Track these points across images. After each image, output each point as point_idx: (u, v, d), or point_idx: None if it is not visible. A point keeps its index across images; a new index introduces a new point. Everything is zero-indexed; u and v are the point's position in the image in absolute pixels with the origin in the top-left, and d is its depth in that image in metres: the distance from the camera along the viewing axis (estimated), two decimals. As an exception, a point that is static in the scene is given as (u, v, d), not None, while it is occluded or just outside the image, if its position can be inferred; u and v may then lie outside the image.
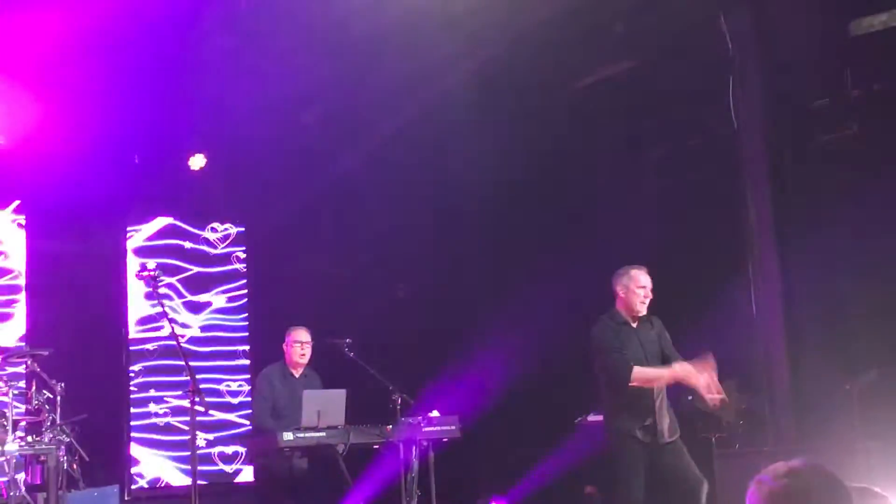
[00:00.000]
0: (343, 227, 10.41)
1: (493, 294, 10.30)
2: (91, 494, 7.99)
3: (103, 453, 8.72)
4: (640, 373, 6.56)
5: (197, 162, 9.60)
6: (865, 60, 8.49)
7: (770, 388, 8.33)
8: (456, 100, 9.29)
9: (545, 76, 9.35)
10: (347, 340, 8.09)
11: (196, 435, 6.74)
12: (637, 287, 6.75)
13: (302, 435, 7.51)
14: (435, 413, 7.98)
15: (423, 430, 7.79)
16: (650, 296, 6.78)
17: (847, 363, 8.00)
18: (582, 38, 8.72)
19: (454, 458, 8.41)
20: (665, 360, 6.76)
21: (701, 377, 6.56)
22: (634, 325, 6.79)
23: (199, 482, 6.26)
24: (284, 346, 8.14)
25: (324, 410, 7.60)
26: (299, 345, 8.06)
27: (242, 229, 10.45)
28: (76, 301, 9.35)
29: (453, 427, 8.00)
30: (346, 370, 8.06)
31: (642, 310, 6.76)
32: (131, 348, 9.72)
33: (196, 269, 10.12)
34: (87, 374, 8.83)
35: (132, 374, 9.71)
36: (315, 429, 7.54)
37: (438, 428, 7.92)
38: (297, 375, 8.12)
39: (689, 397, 8.14)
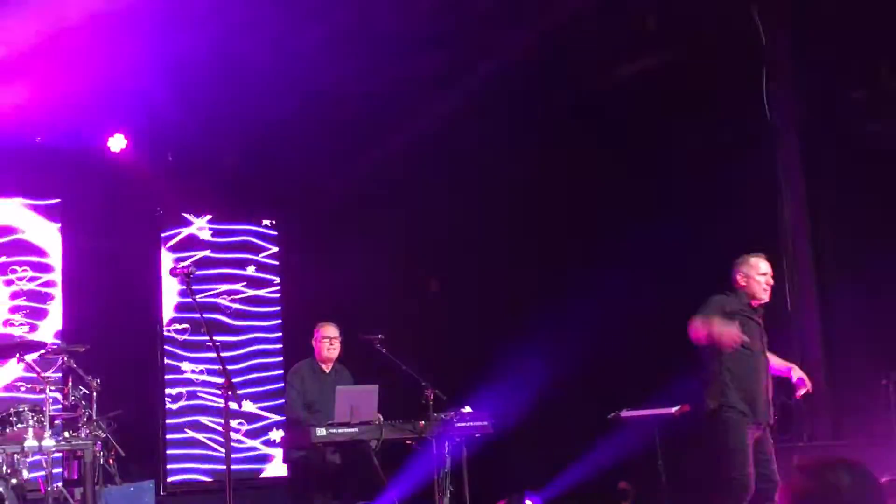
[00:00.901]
0: (377, 220, 10.42)
1: (529, 290, 10.28)
2: (127, 489, 8.07)
3: (139, 448, 8.80)
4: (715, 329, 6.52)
5: (117, 143, 9.56)
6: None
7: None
8: (489, 94, 9.28)
9: (577, 70, 9.32)
10: (380, 336, 8.08)
11: (230, 429, 6.81)
12: (758, 274, 6.76)
13: (335, 430, 7.52)
14: (467, 409, 7.98)
15: (456, 425, 7.79)
16: (772, 283, 6.78)
17: (883, 358, 7.93)
18: (614, 32, 8.67)
19: (488, 454, 8.41)
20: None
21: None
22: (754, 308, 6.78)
23: (233, 477, 6.31)
24: (313, 342, 8.17)
25: (356, 406, 7.61)
26: (328, 340, 8.10)
27: (273, 225, 10.50)
28: (111, 297, 9.45)
29: (486, 423, 7.99)
30: (379, 366, 8.08)
31: (765, 297, 6.76)
32: (166, 347, 9.81)
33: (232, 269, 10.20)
34: (123, 370, 8.91)
35: (168, 370, 9.80)
36: (348, 424, 7.56)
37: (471, 424, 7.91)
38: (326, 370, 8.15)
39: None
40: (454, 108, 9.43)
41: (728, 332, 6.50)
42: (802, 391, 6.88)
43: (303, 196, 10.26)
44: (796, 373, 6.96)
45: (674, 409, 8.03)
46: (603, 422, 8.53)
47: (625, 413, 8.32)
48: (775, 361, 6.98)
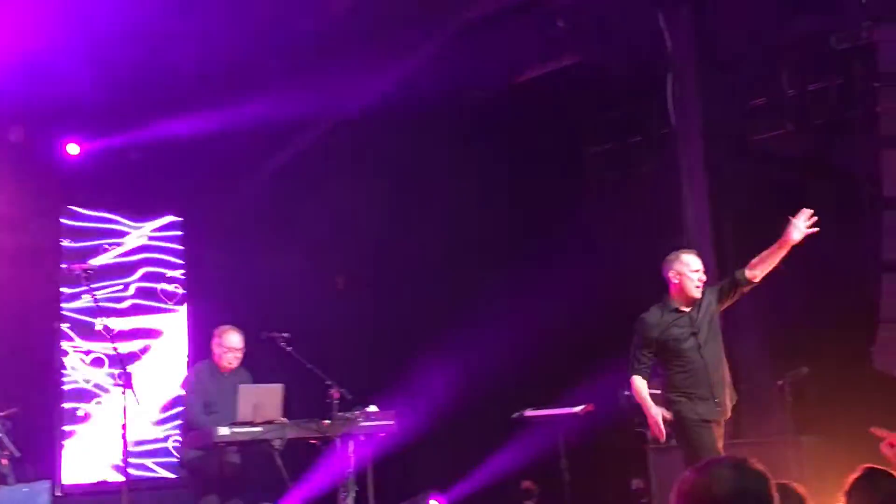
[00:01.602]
0: (284, 217, 10.31)
1: (440, 290, 10.28)
2: (19, 491, 7.82)
3: (35, 448, 8.56)
4: (635, 383, 6.71)
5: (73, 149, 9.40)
6: (801, 61, 8.64)
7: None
8: (400, 93, 9.25)
9: (484, 71, 9.36)
10: (285, 335, 7.99)
11: (127, 428, 6.66)
12: (691, 271, 6.65)
13: (238, 430, 7.41)
14: (373, 408, 7.93)
15: (361, 425, 7.74)
16: (704, 279, 6.70)
17: (779, 358, 8.13)
18: (524, 34, 8.73)
19: (395, 454, 8.39)
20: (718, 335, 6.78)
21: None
22: (688, 310, 6.68)
23: (131, 477, 6.17)
24: (213, 346, 7.96)
25: (260, 405, 7.50)
26: (231, 352, 7.86)
27: (180, 220, 10.31)
28: (5, 293, 9.17)
29: (391, 423, 7.96)
30: (284, 364, 7.98)
31: (698, 294, 6.64)
32: (63, 344, 9.55)
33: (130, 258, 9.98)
34: (18, 368, 8.66)
35: (64, 369, 9.55)
36: (251, 423, 7.45)
37: (376, 423, 7.87)
38: (225, 373, 7.98)
39: (626, 393, 8.23)
40: (365, 106, 9.38)
41: (653, 423, 6.63)
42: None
43: (210, 192, 10.09)
44: None
45: (577, 409, 8.11)
46: (510, 422, 8.58)
47: (529, 413, 8.39)
48: None
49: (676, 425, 6.70)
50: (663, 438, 6.73)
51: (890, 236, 7.51)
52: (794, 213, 8.16)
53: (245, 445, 7.59)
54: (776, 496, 2.46)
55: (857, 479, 3.28)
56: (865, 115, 7.90)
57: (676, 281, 6.66)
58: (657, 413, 6.67)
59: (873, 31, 7.70)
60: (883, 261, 7.59)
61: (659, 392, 6.89)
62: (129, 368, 7.20)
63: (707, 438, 6.50)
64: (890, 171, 7.50)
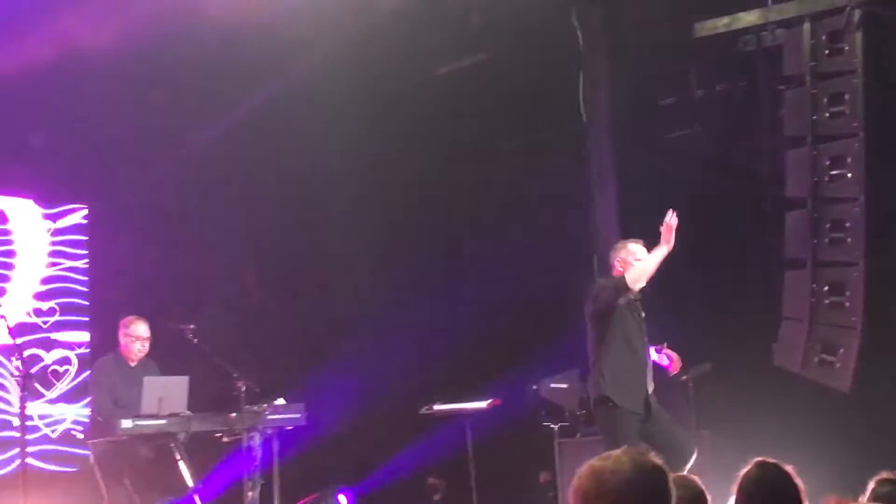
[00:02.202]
0: (195, 208, 10.15)
1: (351, 284, 10.23)
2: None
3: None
4: (635, 269, 6.60)
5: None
6: (709, 61, 8.78)
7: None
8: (306, 87, 9.19)
9: (400, 65, 9.33)
10: (191, 326, 7.89)
11: (26, 422, 6.50)
12: (636, 259, 6.72)
13: (142, 422, 7.32)
14: (280, 401, 7.87)
15: (268, 417, 7.68)
16: None
17: (684, 355, 8.26)
18: (437, 28, 8.72)
19: (304, 448, 8.34)
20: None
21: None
22: (632, 297, 6.78)
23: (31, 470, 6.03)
24: (120, 336, 7.87)
25: (165, 397, 7.41)
26: (139, 341, 7.81)
27: (85, 210, 10.08)
28: None
29: (298, 415, 7.91)
30: (191, 357, 7.88)
31: (643, 283, 6.71)
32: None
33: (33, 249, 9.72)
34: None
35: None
36: (156, 416, 7.35)
37: (284, 416, 7.81)
38: (132, 364, 7.87)
39: (534, 387, 8.30)
40: (276, 97, 9.28)
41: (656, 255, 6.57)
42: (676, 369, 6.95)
43: (118, 181, 9.88)
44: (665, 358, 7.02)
45: (484, 404, 8.15)
46: (419, 417, 8.58)
47: (437, 407, 8.39)
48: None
49: (603, 410, 6.74)
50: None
51: (792, 235, 7.69)
52: (702, 212, 8.34)
53: (149, 438, 7.48)
54: (673, 490, 2.48)
55: (748, 473, 3.34)
56: (770, 116, 8.06)
57: (622, 269, 6.73)
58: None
59: (779, 33, 7.87)
60: (785, 259, 7.76)
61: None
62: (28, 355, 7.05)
63: (632, 430, 6.58)
64: (793, 171, 7.67)
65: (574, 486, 2.45)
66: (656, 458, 2.55)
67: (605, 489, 2.39)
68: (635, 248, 6.79)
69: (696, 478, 3.54)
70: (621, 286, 6.64)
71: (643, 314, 6.88)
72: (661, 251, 6.62)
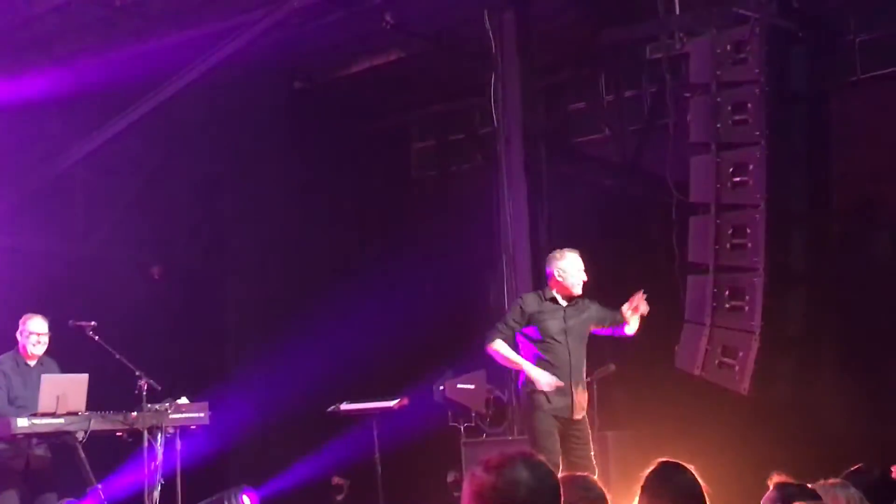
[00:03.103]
0: (98, 200, 9.94)
1: (259, 281, 10.13)
2: None
3: None
4: (496, 346, 6.75)
5: None
6: (618, 68, 8.92)
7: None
8: (218, 80, 9.08)
9: (311, 61, 9.28)
10: (93, 323, 7.73)
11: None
12: (577, 269, 6.81)
13: (39, 421, 7.14)
14: (184, 400, 7.75)
15: (170, 416, 7.56)
16: (585, 278, 6.84)
17: (588, 356, 8.36)
18: (350, 26, 8.69)
19: (209, 449, 8.23)
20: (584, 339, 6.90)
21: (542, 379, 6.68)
22: (564, 304, 6.81)
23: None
24: (18, 335, 7.66)
25: (63, 396, 7.23)
26: (34, 336, 7.60)
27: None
28: None
29: (202, 414, 7.80)
30: (92, 355, 7.71)
31: (579, 291, 6.81)
32: None
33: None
34: None
35: None
36: (53, 415, 7.18)
37: (186, 415, 7.70)
38: (31, 364, 7.67)
39: (441, 387, 8.32)
40: (184, 88, 9.13)
41: (540, 380, 6.65)
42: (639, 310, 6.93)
43: (17, 171, 9.62)
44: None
45: (392, 403, 8.14)
46: (327, 418, 8.54)
47: (344, 406, 8.36)
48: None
49: (527, 413, 6.80)
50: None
51: (695, 240, 7.82)
52: (609, 215, 8.46)
53: (47, 437, 7.31)
54: (562, 492, 2.49)
55: (652, 473, 3.37)
56: (676, 122, 8.20)
57: (560, 278, 6.82)
58: (529, 366, 6.72)
59: (686, 42, 8.02)
60: (688, 263, 7.90)
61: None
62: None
63: (552, 433, 6.64)
64: (696, 177, 7.81)
65: (471, 491, 2.43)
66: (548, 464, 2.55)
67: (504, 495, 2.39)
68: (574, 257, 6.87)
69: (596, 479, 3.57)
70: (486, 339, 6.78)
71: (572, 313, 6.88)
72: (521, 365, 6.77)
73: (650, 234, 8.47)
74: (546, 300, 6.86)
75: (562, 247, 6.99)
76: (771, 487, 3.62)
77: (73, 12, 8.25)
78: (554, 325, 6.83)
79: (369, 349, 9.44)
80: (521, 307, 6.88)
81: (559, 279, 6.83)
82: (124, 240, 9.85)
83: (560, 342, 6.81)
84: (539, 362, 6.76)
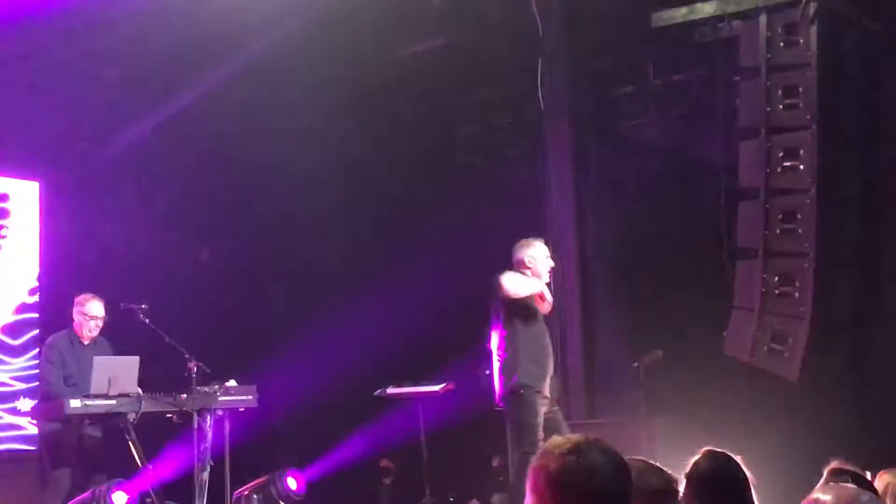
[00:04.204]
0: (148, 184, 10.05)
1: (304, 264, 10.19)
2: None
3: None
4: (511, 279, 7.01)
5: None
6: (667, 51, 8.83)
7: (564, 364, 8.57)
8: (267, 66, 9.13)
9: (357, 48, 9.29)
10: (143, 306, 7.82)
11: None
12: (545, 256, 7.16)
13: (91, 402, 7.25)
14: (232, 382, 7.83)
15: (219, 399, 7.64)
16: (553, 263, 7.24)
17: (635, 341, 8.33)
18: (396, 11, 8.68)
19: (257, 429, 8.30)
20: None
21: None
22: None
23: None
24: (74, 314, 7.77)
25: (115, 377, 7.34)
26: (94, 320, 7.72)
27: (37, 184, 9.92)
28: None
29: (250, 397, 7.87)
30: (142, 336, 7.81)
31: (547, 279, 7.16)
32: None
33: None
34: None
35: None
36: (105, 396, 7.28)
37: (235, 398, 7.78)
38: (85, 343, 7.79)
39: (487, 371, 8.32)
40: (235, 76, 9.20)
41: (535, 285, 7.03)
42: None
43: (72, 158, 9.74)
44: None
45: (438, 387, 8.17)
46: (372, 400, 8.59)
47: (390, 390, 8.40)
48: None
49: (515, 394, 6.98)
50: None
51: (744, 225, 7.76)
52: (657, 200, 8.42)
53: (99, 418, 7.42)
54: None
55: (697, 462, 3.37)
56: (725, 106, 8.13)
57: (532, 265, 7.12)
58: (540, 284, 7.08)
59: (736, 25, 7.93)
60: (737, 249, 7.84)
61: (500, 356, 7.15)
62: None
63: (540, 414, 6.93)
64: (745, 161, 7.74)
65: (546, 477, 2.42)
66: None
67: (583, 480, 2.39)
68: (541, 245, 7.23)
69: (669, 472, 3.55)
70: (514, 288, 7.01)
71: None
72: (536, 285, 7.09)
73: (698, 220, 8.39)
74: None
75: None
76: (825, 474, 3.59)
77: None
78: (538, 308, 7.13)
79: (415, 332, 9.46)
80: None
81: (529, 265, 7.11)
82: (174, 223, 9.94)
83: (544, 324, 7.19)
84: (536, 344, 7.06)
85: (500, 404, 7.19)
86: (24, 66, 8.80)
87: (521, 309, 7.08)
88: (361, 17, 8.75)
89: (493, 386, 7.27)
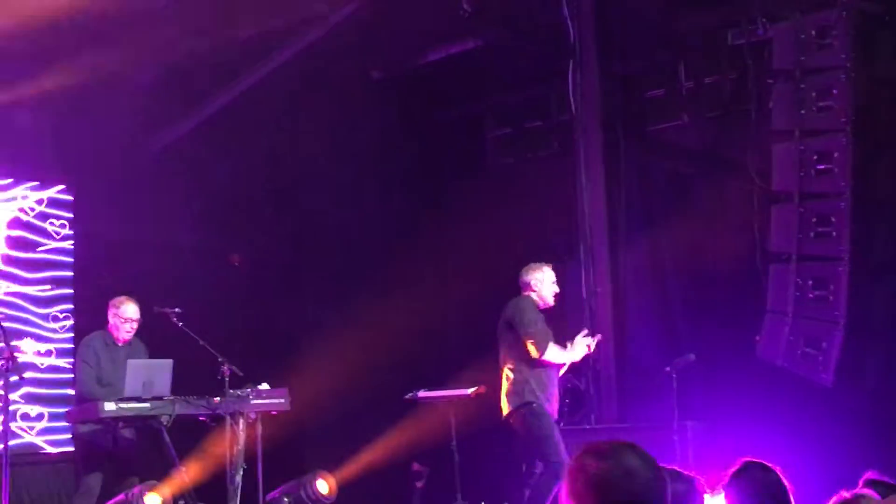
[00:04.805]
0: (179, 189, 10.10)
1: (333, 267, 10.22)
2: None
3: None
4: (554, 350, 7.33)
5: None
6: (699, 54, 8.79)
7: (595, 368, 8.55)
8: (299, 69, 9.16)
9: (388, 51, 9.32)
10: (177, 310, 7.87)
11: (8, 401, 6.47)
12: (552, 281, 7.48)
13: (125, 405, 7.31)
14: (264, 386, 7.87)
15: (252, 402, 7.68)
16: (557, 289, 7.57)
17: (668, 346, 8.30)
18: (427, 14, 8.70)
19: (288, 432, 8.34)
20: None
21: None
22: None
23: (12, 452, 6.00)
24: (109, 316, 7.83)
25: (148, 380, 7.40)
26: (129, 323, 7.76)
27: (65, 192, 10.00)
28: None
29: (282, 400, 7.91)
30: (175, 339, 7.86)
31: (552, 303, 7.50)
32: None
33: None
34: None
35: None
36: (139, 399, 7.34)
37: (267, 401, 7.82)
38: (119, 344, 7.85)
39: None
40: (266, 78, 9.24)
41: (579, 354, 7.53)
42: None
43: (101, 160, 9.81)
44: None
45: (469, 391, 8.17)
46: (403, 403, 8.60)
47: (422, 394, 8.41)
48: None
49: (527, 412, 7.29)
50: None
51: (778, 229, 7.70)
52: (689, 203, 8.40)
53: (132, 421, 7.47)
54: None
55: (735, 473, 3.35)
56: (758, 109, 8.07)
57: (538, 288, 7.45)
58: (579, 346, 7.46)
59: (768, 27, 7.88)
60: (770, 252, 7.79)
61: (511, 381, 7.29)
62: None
63: (553, 426, 7.28)
64: (779, 165, 7.68)
65: (585, 480, 2.42)
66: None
67: (622, 484, 2.40)
68: (550, 270, 7.55)
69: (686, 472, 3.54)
70: (541, 348, 7.31)
71: None
72: (571, 356, 7.49)
73: (731, 223, 8.34)
74: (540, 309, 7.44)
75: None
76: (860, 484, 3.57)
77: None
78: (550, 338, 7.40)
79: (446, 335, 9.47)
80: (535, 307, 7.40)
81: (535, 289, 7.43)
82: (206, 228, 9.99)
83: None
84: (545, 374, 7.37)
85: (509, 421, 7.43)
86: (55, 69, 8.86)
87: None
88: (392, 20, 8.78)
89: (500, 404, 7.48)
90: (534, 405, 7.27)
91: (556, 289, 7.54)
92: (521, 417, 7.31)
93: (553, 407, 7.41)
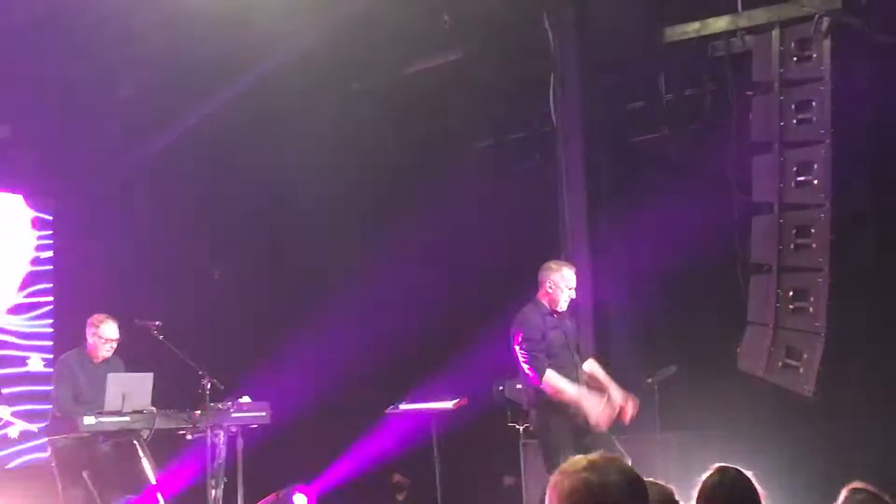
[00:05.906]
0: (159, 203, 10.07)
1: (316, 281, 10.20)
2: None
3: None
4: (552, 378, 6.73)
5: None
6: (679, 66, 8.83)
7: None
8: (277, 83, 9.15)
9: (369, 64, 9.32)
10: (157, 323, 7.84)
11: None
12: (567, 287, 6.93)
13: (105, 419, 7.26)
14: (245, 399, 7.84)
15: (232, 415, 7.64)
16: (574, 296, 7.02)
17: (650, 357, 8.30)
18: (407, 27, 8.71)
19: (268, 445, 8.30)
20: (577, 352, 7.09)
21: (595, 411, 6.77)
22: (555, 316, 6.96)
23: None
24: (88, 335, 7.76)
25: (128, 394, 7.35)
26: (108, 343, 7.70)
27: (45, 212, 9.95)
28: None
29: (263, 413, 7.88)
30: (155, 353, 7.82)
31: (565, 307, 6.97)
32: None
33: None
34: None
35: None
36: (119, 413, 7.29)
37: (248, 414, 7.79)
38: (96, 362, 7.78)
39: (500, 387, 8.31)
40: (245, 93, 9.23)
41: (585, 401, 6.76)
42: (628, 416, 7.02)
43: (82, 176, 9.78)
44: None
45: (451, 403, 8.15)
46: (383, 415, 8.58)
47: (403, 406, 8.40)
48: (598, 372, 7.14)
49: (541, 417, 6.87)
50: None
51: (758, 241, 7.74)
52: (669, 215, 8.40)
53: (112, 435, 7.42)
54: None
55: (709, 478, 3.36)
56: (738, 121, 8.11)
57: (551, 290, 6.93)
58: (588, 398, 6.79)
59: (748, 40, 7.92)
60: (751, 263, 7.82)
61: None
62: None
63: (567, 438, 6.71)
64: (759, 176, 7.72)
65: (561, 490, 2.43)
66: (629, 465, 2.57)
67: (601, 496, 2.40)
68: (569, 273, 7.00)
69: (665, 484, 3.54)
70: (537, 375, 6.74)
71: (565, 326, 7.04)
72: (579, 399, 6.78)
73: (711, 235, 8.37)
74: (547, 314, 6.94)
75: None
76: (843, 493, 3.57)
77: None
78: (557, 338, 6.93)
79: (427, 347, 9.45)
80: (532, 332, 6.85)
81: (549, 291, 6.91)
82: (186, 241, 9.96)
83: (565, 357, 6.90)
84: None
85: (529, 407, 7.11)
86: (36, 82, 8.83)
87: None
88: (374, 33, 8.78)
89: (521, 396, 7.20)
90: (546, 412, 6.84)
91: (573, 294, 7.01)
92: (536, 421, 7.04)
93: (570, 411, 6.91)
